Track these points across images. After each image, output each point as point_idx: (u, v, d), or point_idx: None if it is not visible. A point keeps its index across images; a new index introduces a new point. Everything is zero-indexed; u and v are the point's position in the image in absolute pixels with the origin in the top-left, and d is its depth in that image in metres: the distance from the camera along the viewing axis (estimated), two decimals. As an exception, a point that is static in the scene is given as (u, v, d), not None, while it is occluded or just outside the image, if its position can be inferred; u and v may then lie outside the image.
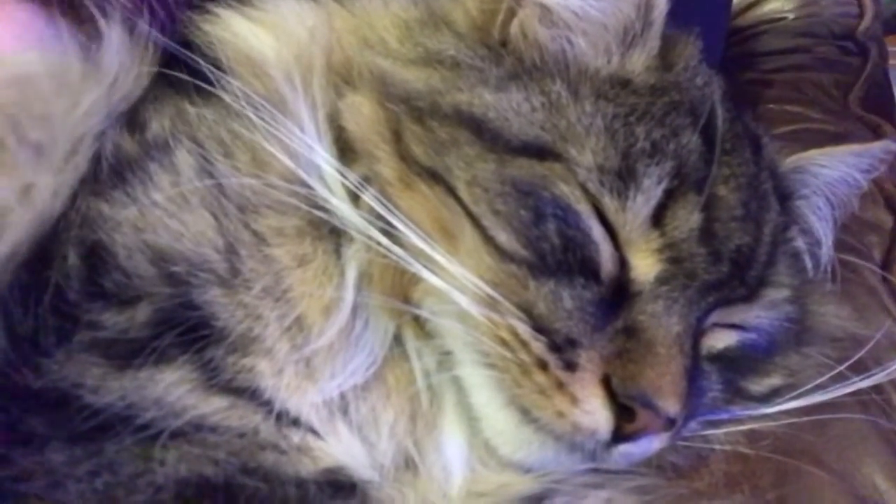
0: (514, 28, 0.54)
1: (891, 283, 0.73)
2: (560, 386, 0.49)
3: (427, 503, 0.50)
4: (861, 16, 1.03)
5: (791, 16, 1.07)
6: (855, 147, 0.64)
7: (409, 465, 0.50)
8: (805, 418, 0.55)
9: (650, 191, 0.51)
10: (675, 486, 0.54)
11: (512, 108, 0.52)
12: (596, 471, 0.53)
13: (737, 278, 0.53)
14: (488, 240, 0.50)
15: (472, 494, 0.51)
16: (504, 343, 0.49)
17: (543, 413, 0.49)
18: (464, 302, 0.49)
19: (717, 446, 0.56)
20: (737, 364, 0.56)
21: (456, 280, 0.49)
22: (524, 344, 0.49)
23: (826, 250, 0.63)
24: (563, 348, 0.49)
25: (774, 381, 0.57)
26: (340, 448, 0.49)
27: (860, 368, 0.57)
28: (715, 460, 0.56)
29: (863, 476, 0.59)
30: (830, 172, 0.63)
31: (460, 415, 0.52)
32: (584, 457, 0.51)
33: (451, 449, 0.51)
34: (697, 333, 0.52)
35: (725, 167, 0.54)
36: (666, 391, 0.49)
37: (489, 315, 0.49)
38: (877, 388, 0.58)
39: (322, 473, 0.48)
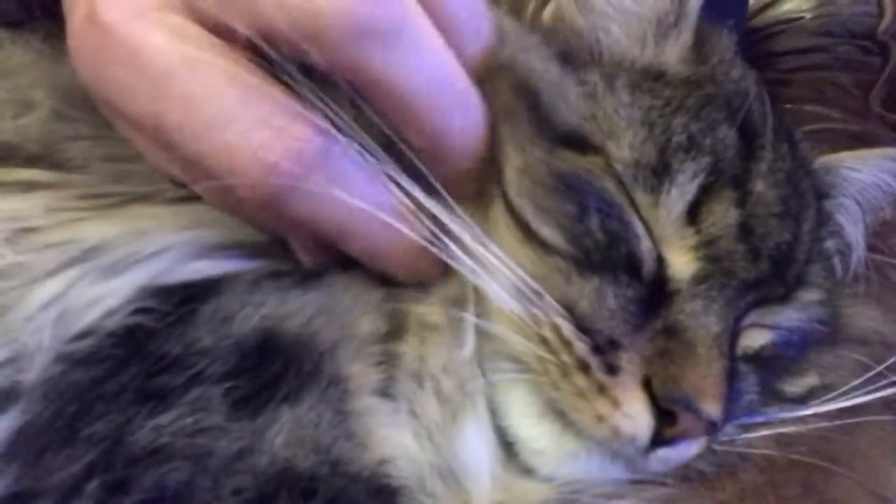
0: (548, 14, 0.54)
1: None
2: (601, 389, 0.47)
3: None
4: (881, 15, 1.01)
5: (808, 15, 1.05)
6: (888, 151, 0.63)
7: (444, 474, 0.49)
8: (836, 422, 0.54)
9: (684, 186, 0.50)
10: (698, 496, 0.52)
11: (561, 93, 0.51)
12: (616, 480, 0.51)
13: (776, 277, 0.52)
14: (530, 235, 0.49)
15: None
16: (544, 342, 0.48)
17: (581, 416, 0.48)
18: (503, 297, 0.48)
19: (745, 449, 0.53)
20: (772, 365, 0.54)
21: (494, 274, 0.48)
22: (567, 344, 0.48)
23: (857, 255, 0.62)
24: (605, 350, 0.47)
25: (810, 380, 0.56)
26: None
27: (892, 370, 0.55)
28: (739, 471, 0.54)
29: (894, 485, 0.57)
30: (862, 177, 0.62)
31: (481, 414, 0.50)
32: (624, 465, 0.49)
33: (472, 448, 0.49)
34: (735, 334, 0.51)
35: (762, 162, 0.53)
36: (708, 394, 0.47)
37: (532, 311, 0.48)
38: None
39: (376, 467, 0.46)
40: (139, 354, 0.44)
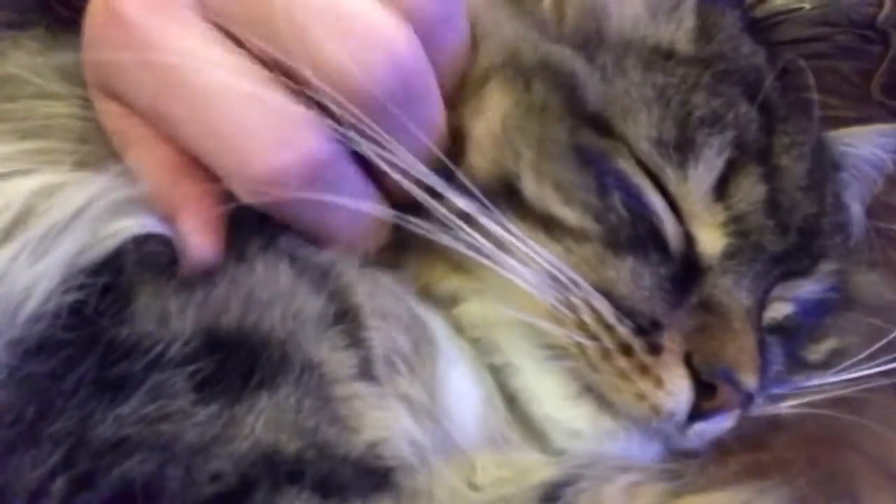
0: (547, 3, 0.54)
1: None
2: (643, 370, 0.47)
3: (455, 494, 0.48)
4: (881, 4, 1.02)
5: (808, 5, 1.06)
6: (880, 127, 0.64)
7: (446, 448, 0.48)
8: (851, 389, 0.54)
9: (712, 161, 0.50)
10: (702, 472, 0.52)
11: (590, 78, 0.51)
12: (619, 457, 0.51)
13: (803, 250, 0.53)
14: (555, 225, 0.49)
15: (496, 481, 0.49)
16: (582, 328, 0.47)
17: (621, 396, 0.48)
18: (539, 287, 0.47)
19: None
20: (793, 334, 0.55)
21: (529, 266, 0.47)
22: (608, 328, 0.47)
23: (858, 228, 0.62)
24: (648, 331, 0.47)
25: (830, 343, 0.57)
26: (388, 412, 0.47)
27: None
28: (743, 448, 0.54)
29: (901, 461, 0.58)
30: (856, 152, 0.63)
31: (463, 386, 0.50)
32: (660, 442, 0.50)
33: (460, 416, 0.50)
34: (761, 307, 0.51)
35: (784, 136, 0.53)
36: (746, 366, 0.48)
37: (570, 299, 0.47)
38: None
39: (366, 449, 0.45)
40: (92, 340, 0.43)
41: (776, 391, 0.54)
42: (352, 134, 0.44)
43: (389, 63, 0.44)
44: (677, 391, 0.48)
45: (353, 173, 0.46)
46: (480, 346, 0.51)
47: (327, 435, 0.44)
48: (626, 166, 0.50)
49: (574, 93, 0.51)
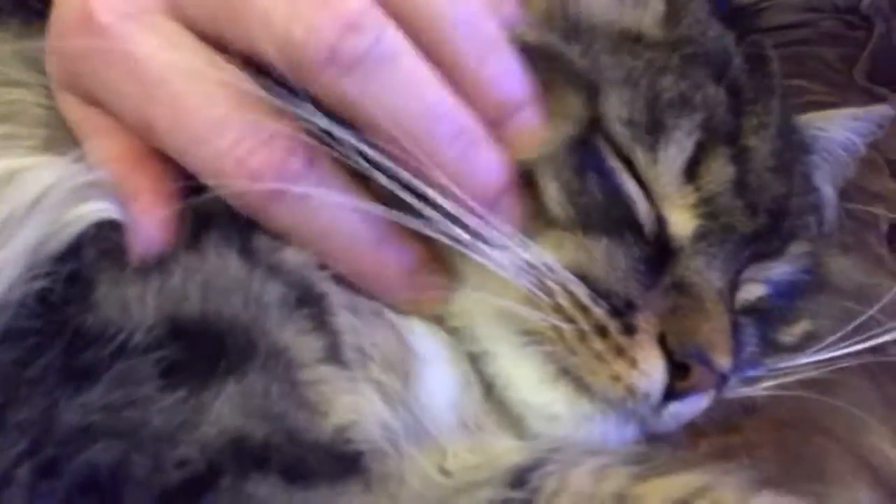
0: None
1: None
2: (619, 351, 0.47)
3: (426, 479, 0.49)
4: (865, -10, 1.02)
5: (792, -9, 1.06)
6: (853, 110, 0.64)
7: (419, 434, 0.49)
8: (823, 370, 0.54)
9: (682, 142, 0.50)
10: (673, 455, 0.52)
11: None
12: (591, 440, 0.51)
13: (772, 230, 0.53)
14: (540, 207, 0.49)
15: (467, 467, 0.50)
16: (558, 311, 0.48)
17: (597, 378, 0.48)
18: (514, 273, 0.47)
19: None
20: (767, 316, 0.55)
21: (504, 253, 0.47)
22: (584, 310, 0.48)
23: (830, 211, 0.63)
24: (622, 312, 0.48)
25: (804, 325, 0.57)
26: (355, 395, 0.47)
27: (869, 328, 0.55)
28: (715, 431, 0.55)
29: (871, 444, 0.57)
30: (829, 135, 0.63)
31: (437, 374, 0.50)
32: (636, 425, 0.50)
33: (434, 407, 0.49)
34: (733, 288, 0.52)
35: (753, 117, 0.53)
36: (719, 346, 0.49)
37: (545, 283, 0.47)
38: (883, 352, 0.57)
39: (335, 433, 0.45)
40: (58, 328, 0.43)
41: (750, 373, 0.54)
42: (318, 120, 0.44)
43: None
44: (651, 371, 0.48)
45: (336, 183, 0.46)
46: (457, 334, 0.51)
47: (295, 420, 0.43)
48: (601, 146, 0.50)
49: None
